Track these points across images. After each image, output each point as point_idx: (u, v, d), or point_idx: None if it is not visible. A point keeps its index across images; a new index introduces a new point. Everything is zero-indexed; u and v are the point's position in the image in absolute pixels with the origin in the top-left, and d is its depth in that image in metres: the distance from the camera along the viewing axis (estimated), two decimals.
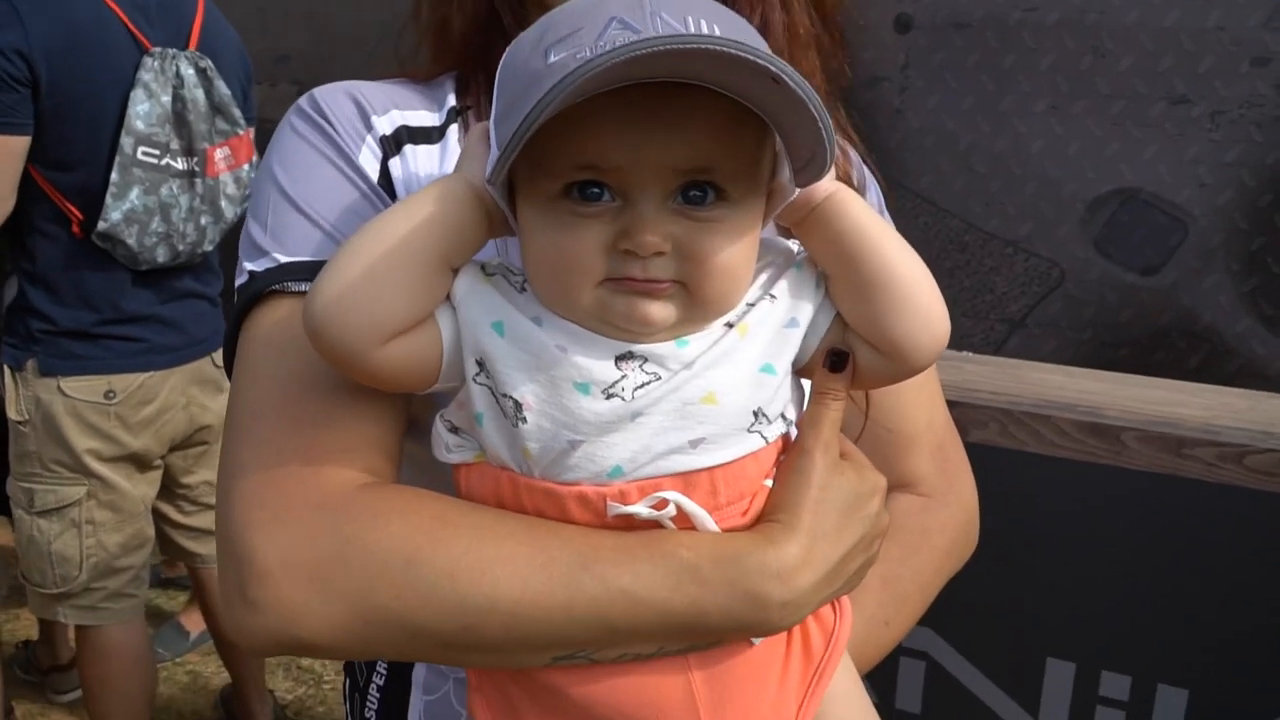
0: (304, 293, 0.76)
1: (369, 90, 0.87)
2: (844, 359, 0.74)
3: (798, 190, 0.70)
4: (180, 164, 2.24)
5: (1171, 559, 1.47)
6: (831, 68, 0.96)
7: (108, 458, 2.30)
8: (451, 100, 0.90)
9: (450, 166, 0.86)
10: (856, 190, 0.95)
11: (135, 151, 2.14)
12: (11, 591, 3.48)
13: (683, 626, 0.70)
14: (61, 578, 2.31)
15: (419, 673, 0.94)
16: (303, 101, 0.87)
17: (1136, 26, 2.98)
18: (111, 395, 2.26)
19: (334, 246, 0.79)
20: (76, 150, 2.14)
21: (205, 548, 2.63)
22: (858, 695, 0.83)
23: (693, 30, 0.61)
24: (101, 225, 2.15)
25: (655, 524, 0.70)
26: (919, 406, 1.00)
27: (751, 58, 0.58)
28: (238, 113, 2.34)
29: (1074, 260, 3.06)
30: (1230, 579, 1.44)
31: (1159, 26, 2.95)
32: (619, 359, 0.69)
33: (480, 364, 0.70)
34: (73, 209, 2.17)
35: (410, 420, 0.81)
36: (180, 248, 2.28)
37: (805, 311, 0.73)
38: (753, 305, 0.73)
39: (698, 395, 0.69)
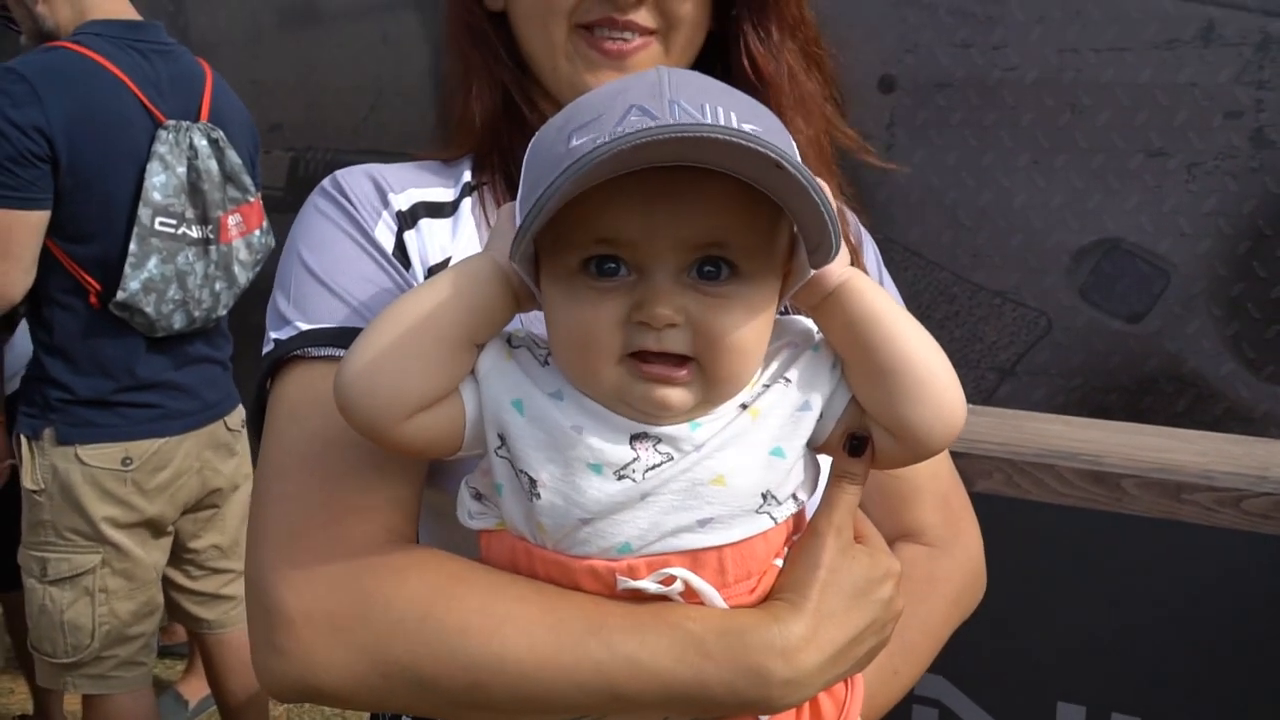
0: (325, 357, 0.82)
1: (388, 171, 0.93)
2: (864, 443, 0.75)
3: (813, 272, 0.72)
4: (195, 232, 2.29)
5: (1174, 602, 1.51)
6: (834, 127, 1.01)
7: (124, 524, 2.32)
8: (467, 177, 0.95)
9: (462, 238, 0.91)
10: (854, 248, 1.00)
11: (153, 222, 2.20)
12: (6, 664, 3.46)
13: (685, 698, 0.71)
14: (73, 647, 2.31)
15: None
16: (326, 183, 0.93)
17: (1112, 83, 3.08)
18: (128, 462, 2.29)
19: (353, 315, 0.84)
20: (94, 222, 2.19)
21: (212, 613, 2.63)
22: None
23: (708, 118, 0.64)
24: (120, 295, 2.19)
25: (666, 598, 0.72)
26: None
27: (754, 146, 0.61)
28: (248, 180, 2.40)
29: (1061, 309, 3.14)
30: (1231, 620, 1.48)
31: (1134, 83, 3.06)
32: (634, 439, 0.71)
33: (502, 438, 0.73)
34: (90, 280, 2.22)
35: (433, 469, 0.84)
36: (196, 314, 2.33)
37: (820, 395, 0.75)
38: (768, 388, 0.74)
39: (707, 477, 0.71)
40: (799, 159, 0.70)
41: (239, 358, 2.56)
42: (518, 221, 0.71)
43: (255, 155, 2.54)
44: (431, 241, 0.90)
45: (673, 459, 0.71)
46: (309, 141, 4.22)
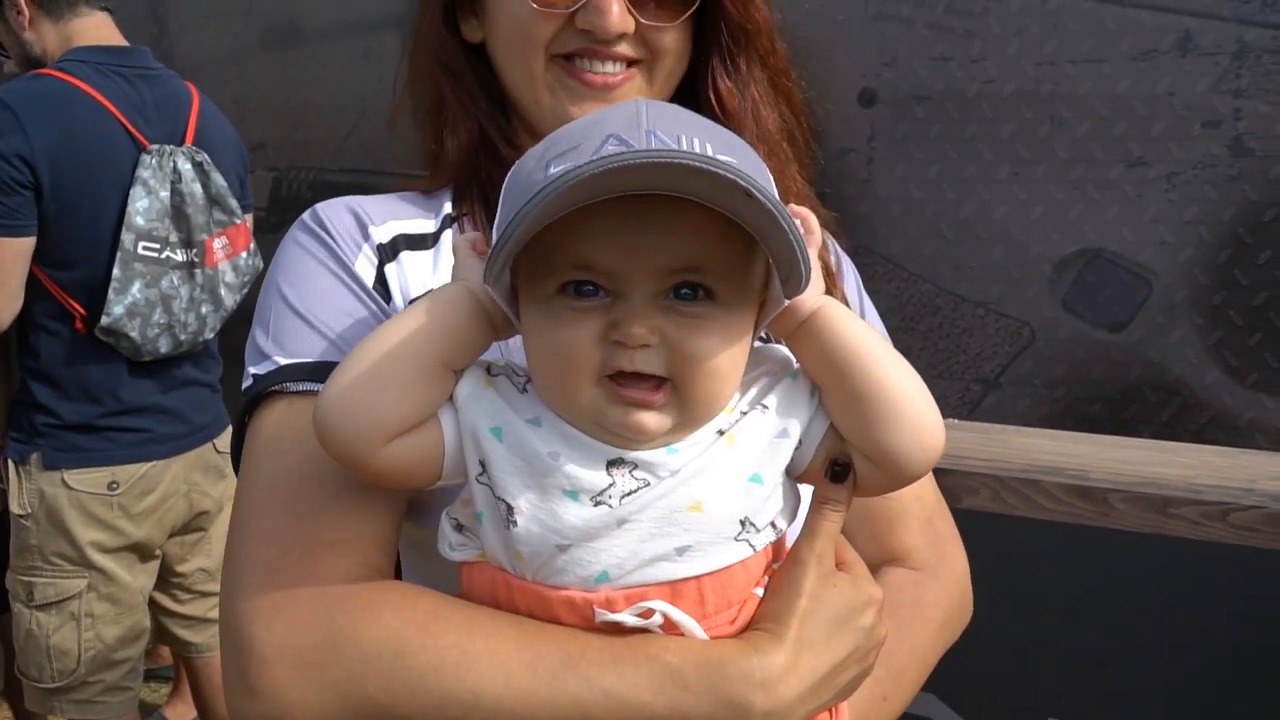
0: (303, 392, 0.82)
1: (369, 204, 0.94)
2: (846, 470, 0.76)
3: (787, 301, 0.73)
4: (180, 256, 2.30)
5: (1161, 616, 1.52)
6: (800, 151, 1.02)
7: (110, 549, 2.32)
8: (448, 208, 0.96)
9: (442, 270, 0.92)
10: (833, 272, 1.01)
11: (136, 247, 2.20)
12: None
13: None
14: (59, 672, 2.31)
15: None
16: (306, 217, 0.93)
17: (1090, 95, 3.11)
18: (115, 486, 2.29)
19: (332, 348, 0.84)
20: (79, 248, 2.20)
21: (200, 636, 2.63)
22: None
23: (684, 147, 0.65)
24: (105, 320, 2.19)
25: (646, 630, 0.72)
26: None
27: (722, 173, 0.62)
28: (234, 203, 2.40)
29: (1043, 319, 3.16)
30: (1219, 633, 1.49)
31: (1112, 94, 3.08)
32: (610, 465, 0.71)
33: (483, 464, 0.74)
34: (75, 305, 2.22)
35: (414, 504, 0.85)
36: (183, 337, 2.33)
37: (798, 422, 0.75)
38: (745, 414, 0.75)
39: (684, 503, 0.71)
40: (774, 190, 0.70)
41: (228, 379, 2.56)
42: (494, 242, 0.72)
43: (245, 176, 2.56)
44: (413, 274, 0.91)
45: (649, 485, 0.71)
46: (291, 161, 4.21)
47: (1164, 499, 1.49)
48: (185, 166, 2.29)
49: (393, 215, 0.93)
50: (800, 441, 0.75)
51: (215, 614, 2.61)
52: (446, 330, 0.74)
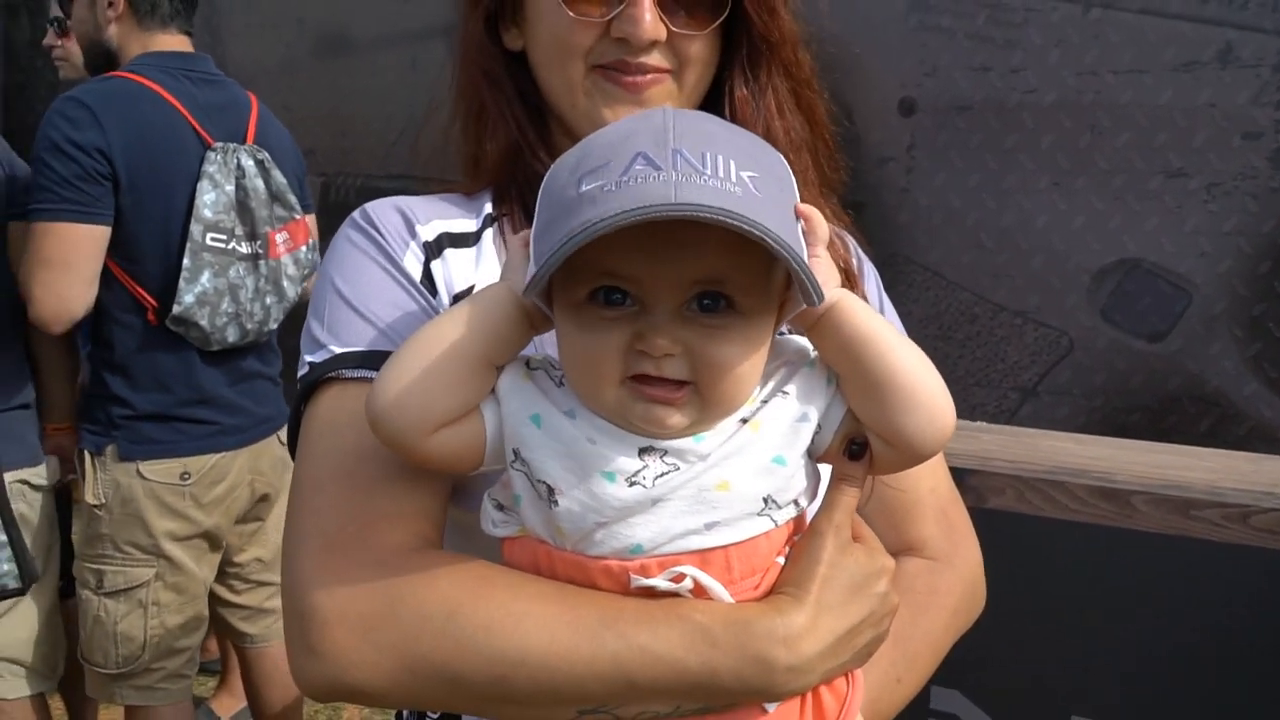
0: (358, 378, 0.88)
1: (415, 204, 1.00)
2: (863, 448, 0.82)
3: (803, 305, 0.78)
4: (245, 248, 2.39)
5: (1184, 615, 1.55)
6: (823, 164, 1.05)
7: (181, 537, 2.41)
8: (488, 208, 1.01)
9: (484, 266, 0.97)
10: (855, 275, 1.06)
11: (204, 238, 2.30)
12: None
13: (696, 685, 0.76)
14: (124, 658, 2.40)
15: None
16: (356, 215, 0.98)
17: (1131, 105, 3.12)
18: (187, 476, 2.38)
19: (382, 338, 0.90)
20: (150, 241, 2.30)
21: (255, 627, 2.71)
22: None
23: (707, 168, 0.70)
24: (176, 309, 2.29)
25: (677, 595, 0.78)
26: (922, 474, 1.04)
27: (731, 224, 0.67)
28: (294, 199, 2.50)
29: (1082, 329, 3.17)
30: (1240, 633, 1.52)
31: (1153, 105, 3.10)
32: (642, 451, 0.77)
33: (516, 453, 0.79)
34: (147, 297, 2.31)
35: (458, 488, 0.90)
36: (249, 326, 2.42)
37: (817, 407, 0.81)
38: (766, 402, 0.80)
39: (713, 483, 0.77)
40: (797, 198, 0.76)
41: (288, 374, 2.65)
42: (532, 260, 0.77)
43: (302, 177, 2.65)
44: (457, 270, 0.96)
45: (678, 468, 0.77)
46: (340, 167, 4.32)
47: (1186, 501, 1.52)
48: (248, 163, 2.39)
49: (437, 215, 0.99)
50: (819, 425, 0.81)
51: (271, 604, 2.70)
52: (491, 330, 0.79)
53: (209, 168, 2.33)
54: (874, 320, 0.79)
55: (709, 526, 0.77)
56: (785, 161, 0.80)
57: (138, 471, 2.34)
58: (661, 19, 0.94)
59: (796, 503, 0.81)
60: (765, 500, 0.78)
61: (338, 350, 0.91)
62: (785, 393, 0.80)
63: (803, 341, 0.84)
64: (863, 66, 3.38)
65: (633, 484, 0.76)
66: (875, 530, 0.90)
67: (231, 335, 2.39)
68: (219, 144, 2.37)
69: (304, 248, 2.54)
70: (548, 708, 0.78)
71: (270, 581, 2.70)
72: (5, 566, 2.25)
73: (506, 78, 1.03)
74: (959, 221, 3.33)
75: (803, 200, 0.79)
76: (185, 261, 2.29)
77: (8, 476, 2.29)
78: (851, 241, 1.09)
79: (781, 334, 0.84)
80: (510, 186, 1.02)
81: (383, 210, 0.98)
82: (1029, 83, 3.21)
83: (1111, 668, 1.60)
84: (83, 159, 2.19)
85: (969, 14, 3.28)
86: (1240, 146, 3.04)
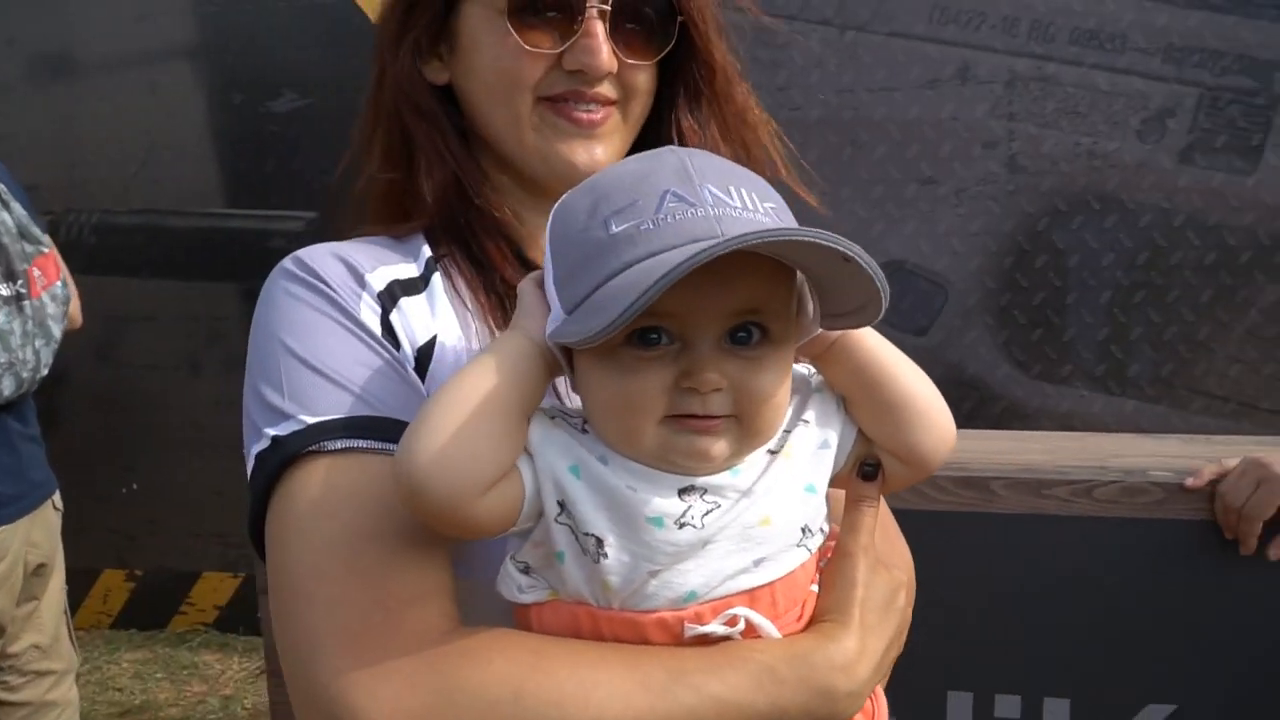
0: (344, 450, 0.80)
1: (351, 250, 0.91)
2: (876, 469, 0.82)
3: (820, 330, 0.77)
4: (5, 289, 2.14)
5: (1042, 587, 1.69)
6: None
7: None
8: (427, 251, 0.94)
9: (441, 315, 0.90)
10: None
11: None
12: None
13: None
14: None
15: None
16: (290, 265, 0.89)
17: (885, 120, 3.37)
18: None
19: (358, 403, 0.82)
20: None
21: None
22: None
23: (735, 200, 0.70)
24: None
25: (728, 637, 0.76)
26: None
27: (830, 244, 0.65)
28: (38, 230, 2.26)
29: None
30: (1092, 596, 1.68)
31: (904, 119, 3.36)
32: (681, 492, 0.74)
33: (561, 505, 0.74)
34: None
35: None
36: (24, 375, 2.16)
37: (834, 433, 0.81)
38: (789, 431, 0.79)
39: (756, 519, 0.75)
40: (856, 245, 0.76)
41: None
42: (554, 302, 0.74)
43: (31, 211, 2.38)
44: (415, 320, 0.89)
45: (720, 505, 0.75)
46: (70, 203, 3.92)
47: (1038, 481, 1.67)
48: None
49: (380, 261, 0.91)
50: (835, 452, 0.81)
51: (52, 696, 2.40)
52: (523, 381, 0.74)
53: None
54: (882, 344, 0.80)
55: (757, 563, 0.75)
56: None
57: None
58: (614, 51, 0.91)
59: (822, 529, 0.81)
60: (803, 530, 0.78)
61: (311, 420, 0.81)
62: (805, 420, 0.80)
63: (799, 369, 0.83)
64: None
65: (682, 525, 0.73)
66: None
67: (7, 388, 2.13)
68: None
69: (58, 284, 2.30)
70: None
71: (50, 670, 2.40)
72: None
73: (440, 113, 0.97)
74: None
75: None
76: None
77: None
78: None
79: None
80: (447, 227, 0.95)
81: (322, 259, 0.89)
82: (794, 100, 3.40)
83: (983, 644, 1.72)
84: None
85: (738, 35, 3.44)
86: (981, 155, 3.35)
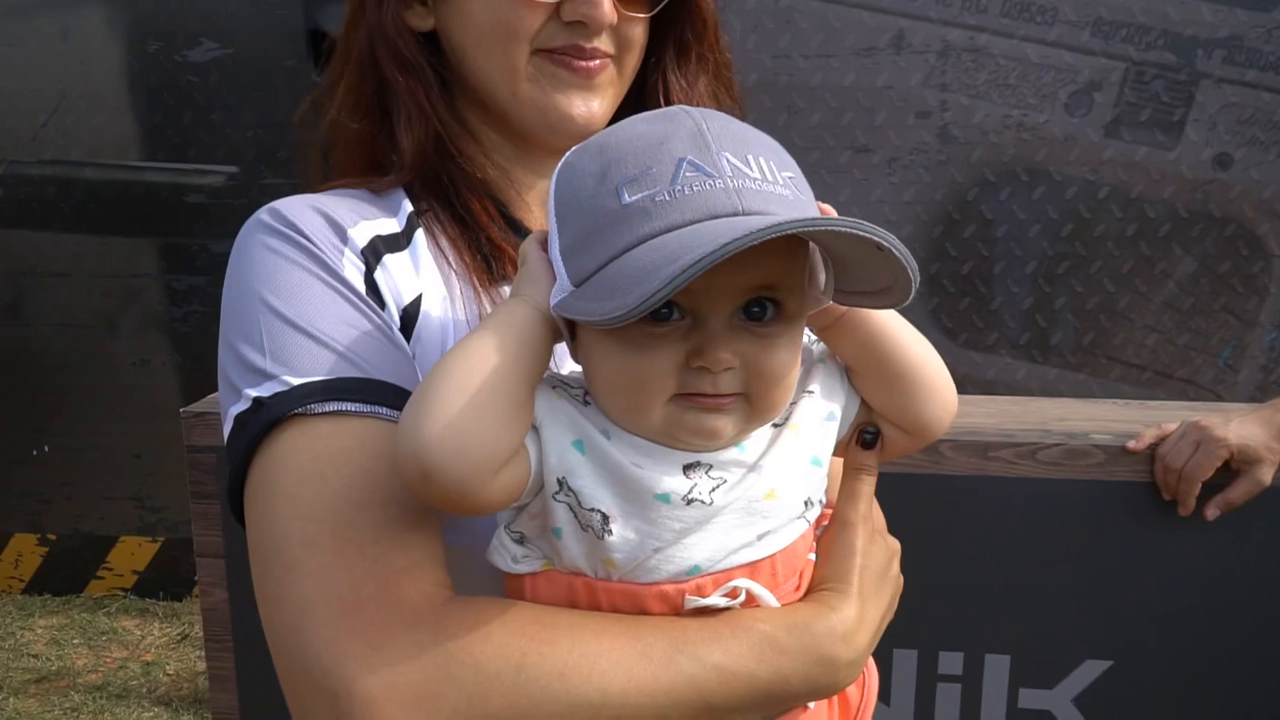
0: (331, 413, 0.76)
1: (330, 203, 0.87)
2: (876, 437, 0.82)
3: (829, 302, 0.75)
4: None
5: (986, 546, 1.74)
6: None
7: None
8: (407, 206, 0.91)
9: (425, 273, 0.88)
10: None
11: None
12: None
13: (768, 695, 0.74)
14: None
15: None
16: (267, 218, 0.85)
17: (821, 87, 3.39)
18: None
19: (341, 362, 0.79)
20: None
21: None
22: None
23: (753, 170, 0.67)
24: None
25: (729, 609, 0.75)
26: None
27: (865, 234, 0.62)
28: None
29: None
30: (1035, 555, 1.73)
31: (839, 86, 3.38)
32: (687, 468, 0.73)
33: (561, 482, 0.72)
34: None
35: None
36: None
37: (839, 403, 0.81)
38: (795, 404, 0.78)
39: (761, 493, 0.75)
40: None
41: None
42: (560, 270, 0.71)
43: None
44: (400, 278, 0.86)
45: (726, 481, 0.74)
46: None
47: (985, 444, 1.70)
48: None
49: (361, 215, 0.87)
50: (840, 423, 0.81)
51: None
52: (531, 351, 0.72)
53: None
54: (890, 315, 0.79)
55: (760, 537, 0.75)
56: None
57: None
58: (614, 3, 0.89)
59: (821, 500, 0.81)
60: (805, 503, 0.78)
61: (295, 381, 0.77)
62: (810, 391, 0.79)
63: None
64: None
65: (690, 502, 0.72)
66: None
67: None
68: None
69: None
70: None
71: None
72: None
73: (424, 63, 0.93)
74: None
75: None
76: None
77: None
78: None
79: None
80: (429, 182, 0.92)
81: (301, 211, 0.85)
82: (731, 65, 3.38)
83: (929, 602, 1.75)
84: None
85: None
86: (914, 124, 3.39)
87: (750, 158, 0.68)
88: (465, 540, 0.79)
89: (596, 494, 0.71)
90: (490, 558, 0.77)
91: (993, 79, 3.32)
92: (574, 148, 0.75)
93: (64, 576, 3.90)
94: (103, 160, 3.76)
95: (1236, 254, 3.26)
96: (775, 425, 0.77)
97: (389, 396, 0.79)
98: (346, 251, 0.84)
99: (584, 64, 0.90)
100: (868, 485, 0.83)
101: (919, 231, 3.46)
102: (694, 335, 0.69)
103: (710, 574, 0.74)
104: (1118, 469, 1.66)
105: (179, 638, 3.50)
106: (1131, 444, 1.64)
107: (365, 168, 0.96)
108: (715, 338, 0.69)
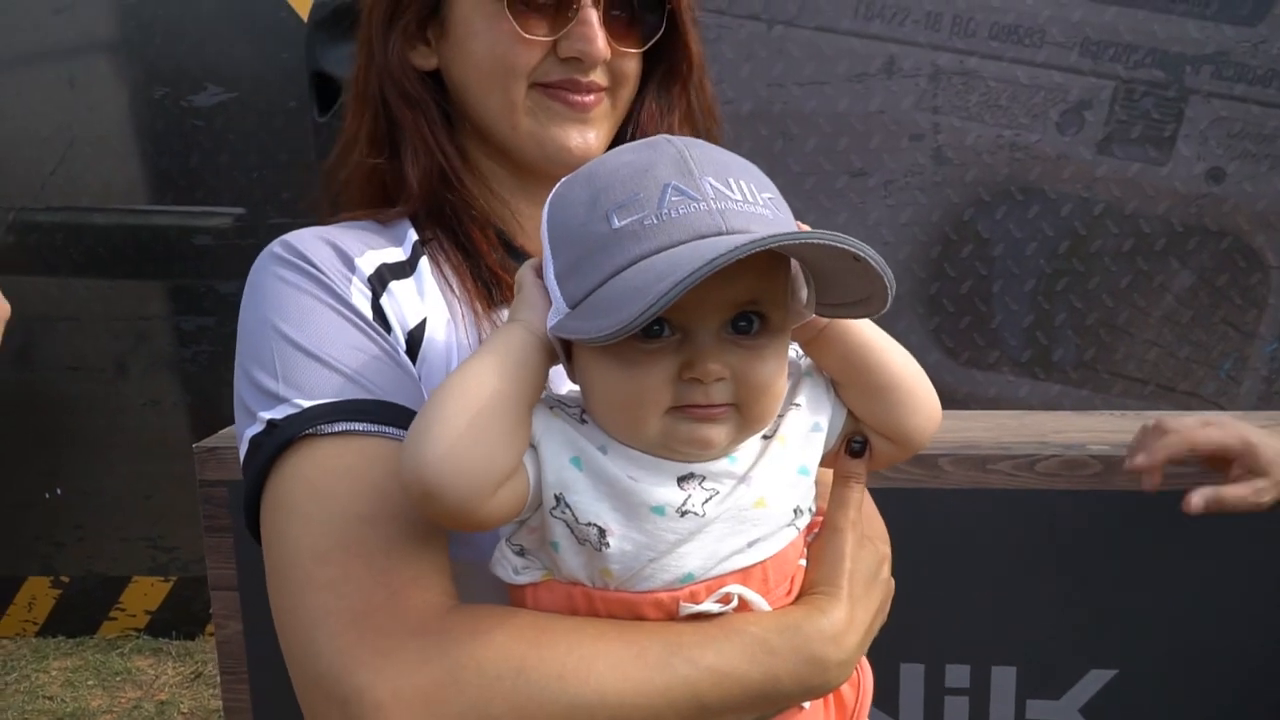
0: (340, 433, 0.80)
1: (338, 234, 0.92)
2: (864, 446, 0.86)
3: (811, 315, 0.78)
4: None
5: (988, 558, 1.75)
6: None
7: None
8: (413, 235, 0.96)
9: (429, 299, 0.92)
10: None
11: None
12: None
13: (761, 696, 0.77)
14: None
15: None
16: (278, 250, 0.89)
17: (815, 113, 3.43)
18: None
19: (349, 385, 0.83)
20: None
21: None
22: None
23: (735, 194, 0.71)
24: None
25: (722, 614, 0.78)
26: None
27: (842, 245, 0.66)
28: None
29: None
30: (1037, 566, 1.74)
31: (833, 112, 3.42)
32: (680, 480, 0.76)
33: (558, 498, 0.74)
34: None
35: None
36: None
37: (824, 415, 0.83)
38: (782, 416, 0.81)
39: (751, 502, 0.78)
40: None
41: None
42: (556, 296, 0.74)
43: None
44: (405, 304, 0.90)
45: (719, 492, 0.77)
46: None
47: (983, 457, 1.72)
48: None
49: (367, 245, 0.91)
50: (826, 434, 0.84)
51: None
52: (528, 373, 0.75)
53: None
54: (869, 327, 0.82)
55: (751, 544, 0.78)
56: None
57: None
58: (608, 39, 0.93)
59: (811, 508, 0.83)
60: (794, 511, 0.80)
61: (306, 404, 0.81)
62: (797, 404, 0.82)
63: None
64: None
65: (684, 514, 0.75)
66: None
67: None
68: None
69: None
70: None
71: None
72: None
73: (429, 99, 0.98)
74: None
75: None
76: None
77: None
78: None
79: None
80: (433, 212, 0.96)
81: (310, 243, 0.89)
82: (726, 94, 3.44)
83: (934, 617, 1.77)
84: None
85: None
86: (908, 147, 3.43)
87: (731, 181, 0.71)
88: (470, 554, 0.83)
89: (593, 508, 0.74)
90: (493, 569, 0.80)
91: (984, 101, 3.37)
92: (564, 179, 0.79)
93: (77, 618, 3.92)
94: (111, 205, 3.82)
95: (1234, 267, 3.28)
96: (764, 437, 0.80)
97: (396, 416, 0.82)
98: (354, 279, 0.88)
99: (580, 98, 0.94)
100: (857, 493, 0.86)
101: (917, 252, 3.50)
102: (685, 349, 0.72)
103: (703, 581, 0.77)
104: (1115, 479, 1.68)
105: (192, 676, 3.52)
106: (1127, 464, 1.63)
107: (376, 200, 1.00)
108: (705, 351, 0.72)
